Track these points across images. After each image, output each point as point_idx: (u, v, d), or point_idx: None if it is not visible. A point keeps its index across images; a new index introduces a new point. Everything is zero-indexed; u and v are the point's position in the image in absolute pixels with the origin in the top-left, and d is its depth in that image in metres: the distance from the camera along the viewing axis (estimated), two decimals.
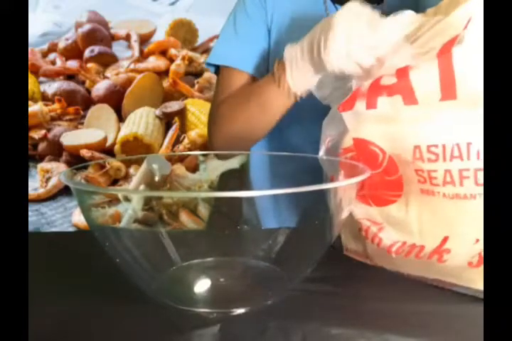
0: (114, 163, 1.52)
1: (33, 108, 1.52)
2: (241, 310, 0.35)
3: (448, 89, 0.37)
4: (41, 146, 1.54)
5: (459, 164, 0.37)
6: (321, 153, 0.49)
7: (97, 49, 1.62)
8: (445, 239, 0.39)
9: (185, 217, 0.62)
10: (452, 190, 0.38)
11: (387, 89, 0.40)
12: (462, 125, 0.37)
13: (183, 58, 1.63)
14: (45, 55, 1.65)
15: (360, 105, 0.42)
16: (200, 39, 1.70)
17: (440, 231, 0.39)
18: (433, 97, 0.38)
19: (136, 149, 1.48)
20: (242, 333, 0.33)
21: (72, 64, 1.63)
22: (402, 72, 0.40)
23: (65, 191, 1.52)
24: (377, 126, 0.41)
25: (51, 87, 1.59)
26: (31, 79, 1.57)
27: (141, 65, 1.63)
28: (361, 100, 0.42)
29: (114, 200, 0.41)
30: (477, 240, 0.37)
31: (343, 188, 0.35)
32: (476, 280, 0.38)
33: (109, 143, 1.54)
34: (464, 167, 0.37)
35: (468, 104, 0.37)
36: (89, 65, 1.63)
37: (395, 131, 0.40)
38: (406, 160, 0.40)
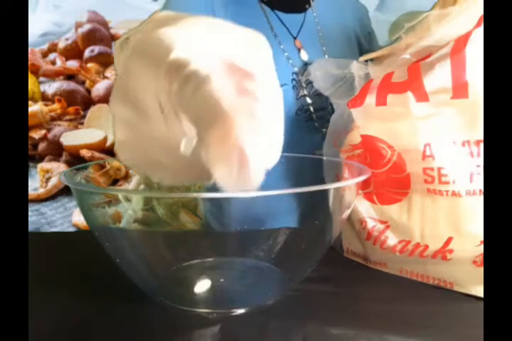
0: (114, 163, 1.52)
1: (33, 108, 1.52)
2: (241, 310, 0.35)
3: (460, 88, 0.37)
4: (41, 146, 1.54)
5: (469, 161, 0.37)
6: (325, 149, 0.49)
7: (97, 49, 1.62)
8: (449, 240, 0.39)
9: (185, 217, 0.62)
10: (463, 187, 0.38)
11: (398, 86, 0.40)
12: (473, 123, 0.37)
13: None
14: (45, 55, 1.65)
15: (370, 102, 0.41)
16: None
17: (444, 232, 0.39)
18: (444, 95, 0.38)
19: None
20: (242, 333, 0.33)
21: (72, 64, 1.63)
22: (414, 69, 0.39)
23: (65, 191, 1.52)
24: (387, 123, 0.41)
25: (51, 87, 1.59)
26: (31, 79, 1.57)
27: None
28: (371, 97, 0.41)
29: (114, 200, 0.41)
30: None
31: (344, 189, 0.35)
32: (480, 280, 0.38)
33: (109, 143, 1.54)
34: (474, 164, 0.37)
35: (479, 103, 0.36)
36: (89, 65, 1.63)
37: (404, 128, 0.40)
38: (415, 158, 0.40)
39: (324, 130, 0.65)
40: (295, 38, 0.67)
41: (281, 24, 0.67)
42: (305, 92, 0.64)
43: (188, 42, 0.21)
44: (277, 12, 0.67)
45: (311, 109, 0.64)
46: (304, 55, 0.66)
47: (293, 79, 0.63)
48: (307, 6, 0.69)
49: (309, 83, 0.64)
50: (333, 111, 0.63)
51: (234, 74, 0.21)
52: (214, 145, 0.20)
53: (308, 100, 0.63)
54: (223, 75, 0.21)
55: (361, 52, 0.73)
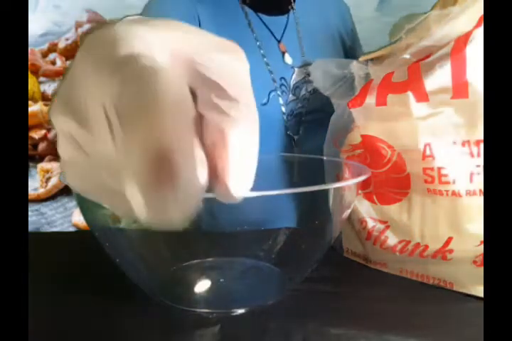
0: None
1: (33, 108, 1.52)
2: (241, 310, 0.35)
3: (460, 88, 0.37)
4: (41, 146, 1.55)
5: (469, 161, 0.37)
6: (325, 149, 0.49)
7: None
8: (449, 240, 0.39)
9: None
10: (463, 187, 0.38)
11: (398, 86, 0.40)
12: (473, 123, 0.37)
13: None
14: (45, 55, 1.65)
15: (370, 101, 0.41)
16: None
17: (444, 231, 0.39)
18: (444, 95, 0.38)
19: None
20: (242, 333, 0.33)
21: None
22: (414, 69, 0.39)
23: (65, 191, 1.52)
24: (387, 123, 0.41)
25: (51, 87, 1.59)
26: (31, 79, 1.57)
27: None
28: (371, 97, 0.41)
29: None
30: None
31: (344, 188, 0.35)
32: (480, 280, 0.38)
33: None
34: (474, 164, 0.37)
35: (479, 103, 0.36)
36: None
37: (404, 128, 0.40)
38: (415, 158, 0.40)
39: (296, 137, 0.64)
40: (279, 42, 0.65)
41: (263, 27, 0.65)
42: (289, 98, 0.63)
43: (146, 37, 0.16)
44: (260, 15, 0.65)
45: (286, 116, 0.63)
46: (288, 59, 0.64)
47: (282, 85, 0.63)
48: (289, 7, 0.68)
49: (297, 88, 0.64)
50: (305, 118, 0.63)
51: (202, 85, 0.17)
52: (131, 147, 0.14)
53: (299, 104, 0.63)
54: (182, 78, 0.16)
55: (344, 50, 0.72)
